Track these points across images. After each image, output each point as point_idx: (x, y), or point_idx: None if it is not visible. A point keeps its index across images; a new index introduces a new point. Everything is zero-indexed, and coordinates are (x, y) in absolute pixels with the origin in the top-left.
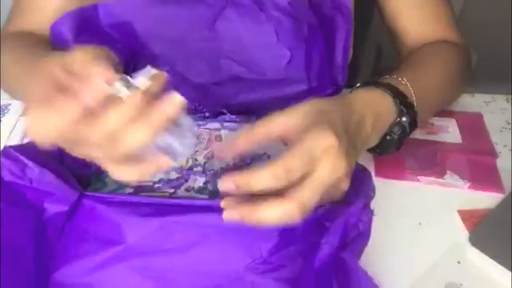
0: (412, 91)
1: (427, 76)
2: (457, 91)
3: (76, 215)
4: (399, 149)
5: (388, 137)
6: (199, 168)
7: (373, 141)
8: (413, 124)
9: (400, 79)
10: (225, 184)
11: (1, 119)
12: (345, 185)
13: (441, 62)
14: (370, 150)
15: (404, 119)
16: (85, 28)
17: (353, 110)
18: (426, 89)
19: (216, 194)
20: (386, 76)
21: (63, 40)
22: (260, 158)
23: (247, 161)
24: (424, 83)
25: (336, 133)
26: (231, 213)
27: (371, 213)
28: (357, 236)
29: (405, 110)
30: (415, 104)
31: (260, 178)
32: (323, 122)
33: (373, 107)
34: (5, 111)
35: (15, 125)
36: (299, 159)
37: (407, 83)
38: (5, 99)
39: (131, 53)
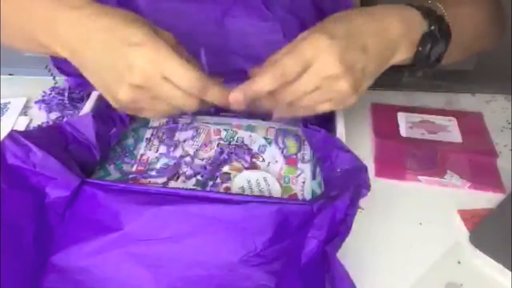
0: (444, 11)
1: (463, 6)
2: (494, 33)
3: (76, 201)
4: (434, 66)
5: (419, 48)
6: (189, 159)
7: (404, 51)
8: (446, 35)
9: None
10: (234, 96)
11: (1, 117)
12: (343, 86)
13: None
14: (407, 67)
15: (432, 27)
16: None
17: (373, 15)
18: (461, 16)
19: (206, 184)
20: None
21: None
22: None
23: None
24: (460, 11)
25: (328, 35)
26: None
27: (357, 207)
28: (341, 230)
29: (433, 19)
30: (446, 19)
31: (261, 82)
32: (318, 29)
33: (398, 14)
34: (5, 110)
35: (14, 123)
36: (291, 60)
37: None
38: (5, 97)
39: None
